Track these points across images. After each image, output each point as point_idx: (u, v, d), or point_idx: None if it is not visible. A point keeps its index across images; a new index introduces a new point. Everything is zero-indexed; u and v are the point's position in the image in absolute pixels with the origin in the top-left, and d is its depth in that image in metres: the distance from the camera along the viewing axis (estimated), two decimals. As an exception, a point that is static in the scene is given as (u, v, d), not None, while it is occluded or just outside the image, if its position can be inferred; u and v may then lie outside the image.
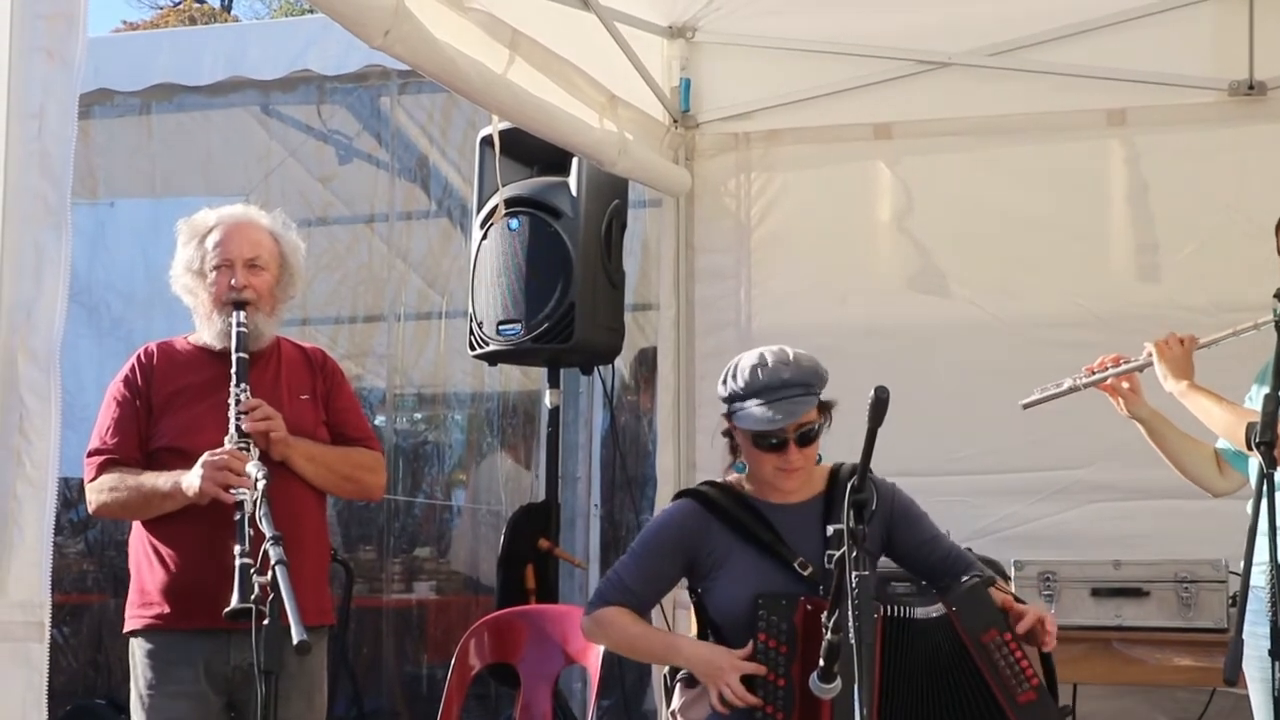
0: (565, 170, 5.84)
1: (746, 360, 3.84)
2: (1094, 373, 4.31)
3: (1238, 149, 5.61)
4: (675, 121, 6.17)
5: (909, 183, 6.00)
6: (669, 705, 3.97)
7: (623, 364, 7.38)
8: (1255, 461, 3.41)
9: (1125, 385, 4.29)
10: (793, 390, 3.76)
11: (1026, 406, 4.36)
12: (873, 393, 3.02)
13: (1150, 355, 4.21)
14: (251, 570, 3.39)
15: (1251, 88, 5.54)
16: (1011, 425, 5.23)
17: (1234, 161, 5.60)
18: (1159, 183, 5.74)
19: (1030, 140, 5.84)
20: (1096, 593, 4.97)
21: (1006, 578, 5.13)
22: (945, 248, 5.95)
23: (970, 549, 5.34)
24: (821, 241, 6.07)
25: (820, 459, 3.92)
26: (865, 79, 5.96)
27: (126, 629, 4.08)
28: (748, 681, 3.67)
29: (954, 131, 5.91)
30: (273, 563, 3.25)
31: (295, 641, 3.08)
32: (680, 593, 4.31)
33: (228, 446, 3.91)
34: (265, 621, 3.25)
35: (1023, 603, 3.81)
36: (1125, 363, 4.28)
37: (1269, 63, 5.51)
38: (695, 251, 6.21)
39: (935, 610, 3.71)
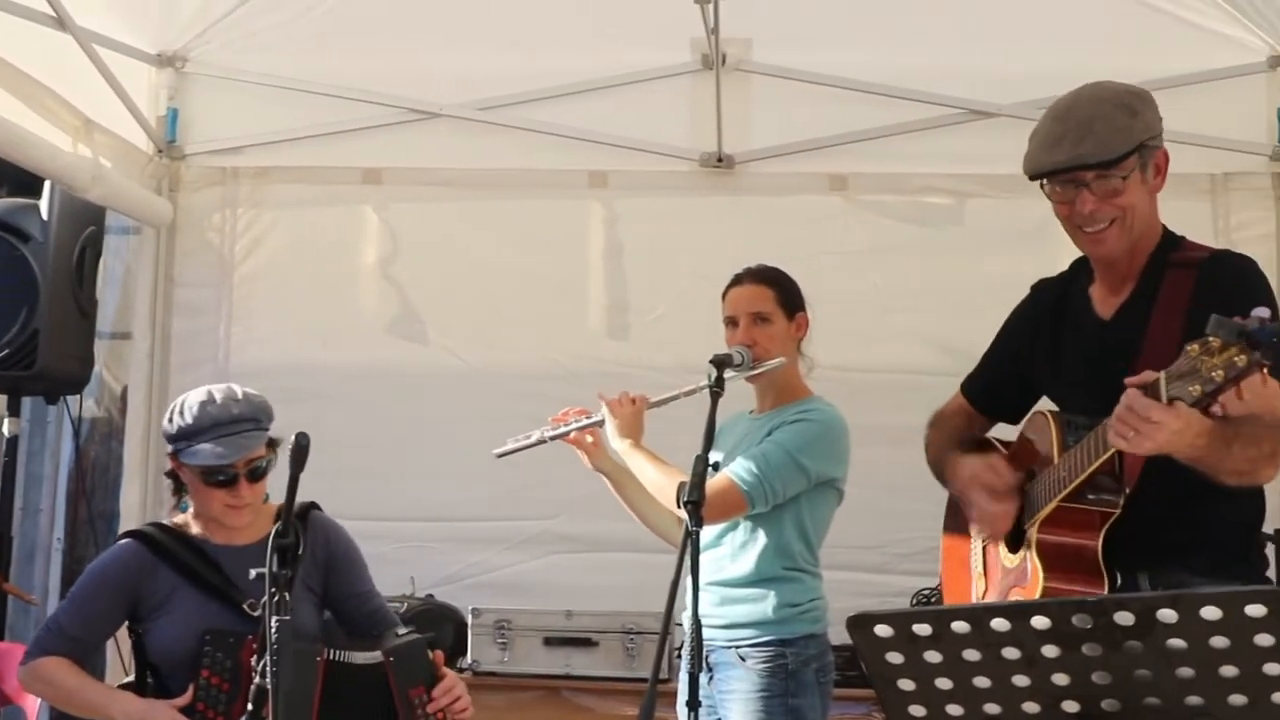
0: (37, 193, 5.63)
1: (194, 397, 3.82)
2: (558, 425, 4.44)
3: (706, 217, 5.96)
4: (160, 151, 6.05)
5: (396, 229, 6.09)
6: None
7: (104, 394, 7.14)
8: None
9: (589, 439, 4.44)
10: (243, 425, 3.77)
11: (499, 456, 4.47)
12: (293, 439, 3.06)
13: (603, 413, 4.37)
14: None
15: (720, 160, 5.90)
16: (485, 474, 5.34)
17: (702, 229, 5.94)
18: (634, 245, 6.03)
19: (515, 195, 6.03)
20: (549, 641, 5.14)
21: (464, 625, 5.25)
22: (428, 296, 6.05)
23: (432, 595, 5.50)
24: (306, 282, 6.07)
25: (268, 498, 3.91)
26: (357, 123, 6.03)
27: None
28: None
29: (442, 181, 6.03)
30: None
31: None
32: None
33: None
34: None
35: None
36: (587, 417, 4.43)
37: (735, 139, 5.90)
38: (175, 284, 6.10)
39: (375, 658, 3.77)
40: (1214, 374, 2.54)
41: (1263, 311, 2.48)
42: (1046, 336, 3.38)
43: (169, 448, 3.86)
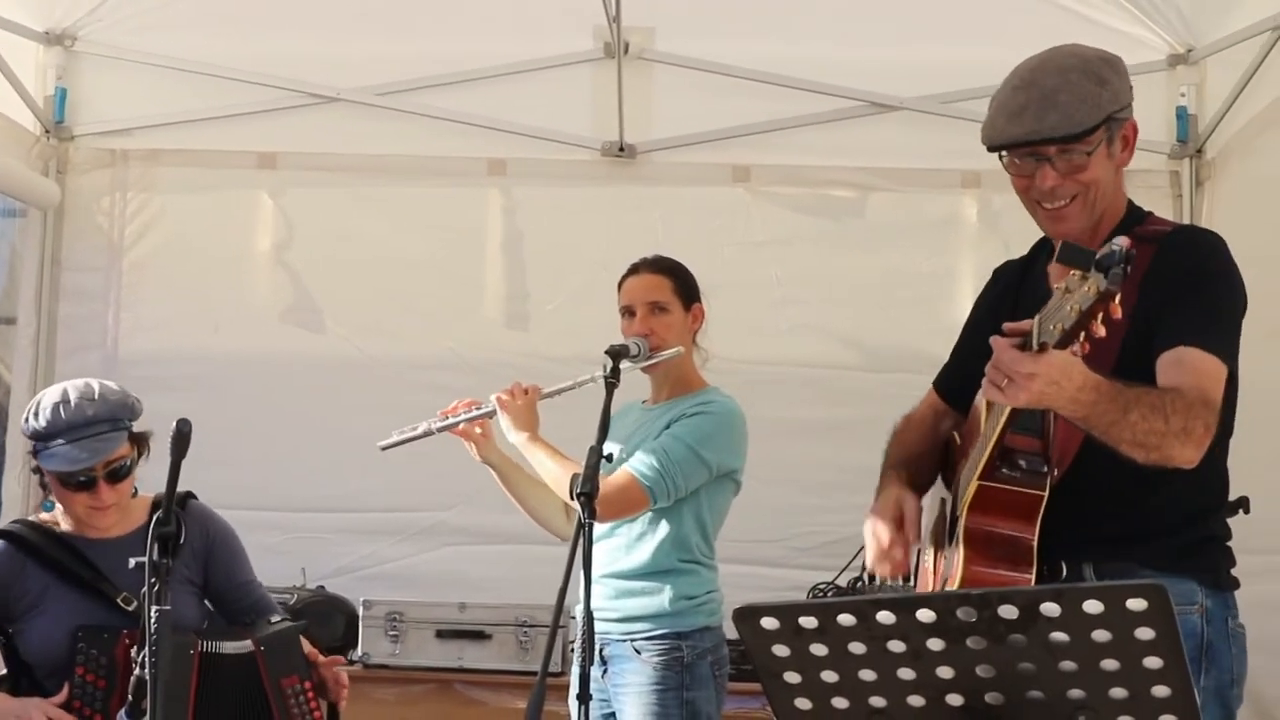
0: (-83, 172, 5.51)
1: (49, 398, 3.70)
2: (447, 417, 4.40)
3: (607, 207, 5.95)
4: (48, 132, 5.94)
5: (291, 215, 6.02)
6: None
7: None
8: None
9: (478, 430, 4.41)
10: (100, 427, 3.66)
11: (384, 448, 4.42)
12: (174, 426, 3.01)
13: (495, 404, 4.34)
14: None
15: (622, 149, 5.90)
16: (379, 465, 5.27)
17: (603, 219, 5.93)
18: (533, 234, 6.01)
19: (414, 182, 5.99)
20: (441, 634, 5.12)
21: (356, 617, 5.20)
22: (323, 283, 6.00)
23: (323, 587, 5.45)
24: (198, 268, 5.99)
25: (136, 491, 3.84)
26: (252, 106, 5.96)
27: None
28: None
29: (338, 167, 5.98)
30: None
31: None
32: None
33: None
34: None
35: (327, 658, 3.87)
36: (477, 409, 4.40)
37: (637, 128, 5.90)
38: (62, 269, 5.99)
39: (245, 647, 3.71)
40: (1070, 308, 2.35)
41: (1122, 240, 2.28)
42: (1006, 320, 3.25)
43: (29, 446, 3.76)
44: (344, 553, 5.79)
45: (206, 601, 3.92)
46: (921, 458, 3.31)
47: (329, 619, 5.27)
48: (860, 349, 5.85)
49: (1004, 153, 2.97)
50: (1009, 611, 2.09)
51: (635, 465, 4.04)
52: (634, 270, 4.33)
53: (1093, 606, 2.04)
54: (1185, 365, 2.76)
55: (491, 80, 5.92)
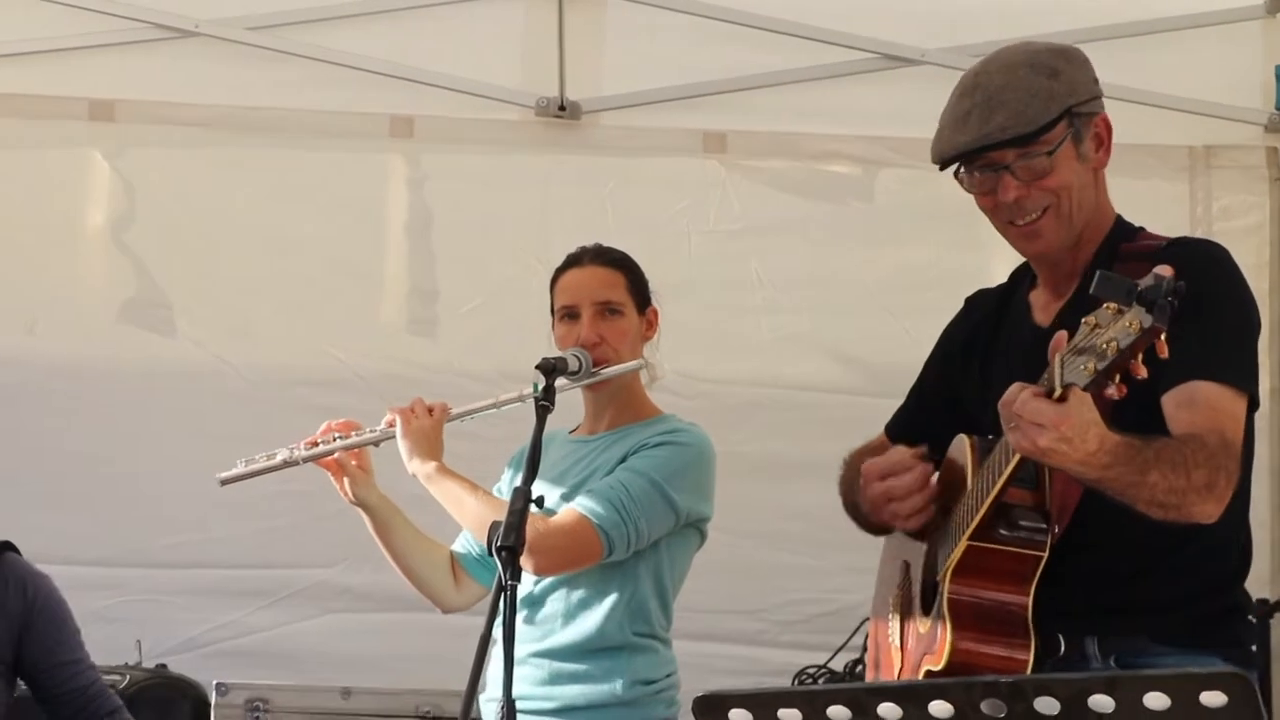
0: None
1: None
2: (317, 444, 4.37)
3: (541, 181, 5.99)
4: None
5: (133, 183, 5.99)
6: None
7: None
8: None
9: (354, 463, 4.38)
10: None
11: (225, 482, 4.39)
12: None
13: (393, 425, 4.33)
14: None
15: (562, 108, 5.90)
16: (242, 508, 5.29)
17: (536, 196, 5.96)
18: (446, 214, 6.02)
19: (292, 144, 5.98)
20: (319, 728, 5.09)
21: (206, 704, 5.16)
22: (174, 272, 5.98)
23: (165, 666, 5.42)
24: (9, 248, 5.94)
25: None
26: (83, 39, 5.92)
27: None
28: None
29: (196, 122, 5.95)
30: None
31: None
32: None
33: None
34: None
35: None
36: (359, 433, 4.37)
37: (582, 81, 5.91)
38: None
39: None
40: (1107, 345, 2.54)
41: (1164, 270, 2.51)
42: (980, 356, 3.42)
43: None
44: (193, 621, 5.78)
45: (20, 680, 3.89)
46: None
47: (171, 708, 5.23)
48: (863, 368, 5.87)
49: (961, 169, 3.21)
50: (1048, 705, 2.11)
51: (586, 504, 4.02)
52: (576, 262, 4.32)
53: (1157, 700, 2.06)
54: (1200, 405, 2.96)
55: (395, 15, 5.94)
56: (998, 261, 5.79)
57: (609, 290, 4.24)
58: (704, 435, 4.20)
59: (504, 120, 5.97)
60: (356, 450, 4.31)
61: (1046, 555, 2.97)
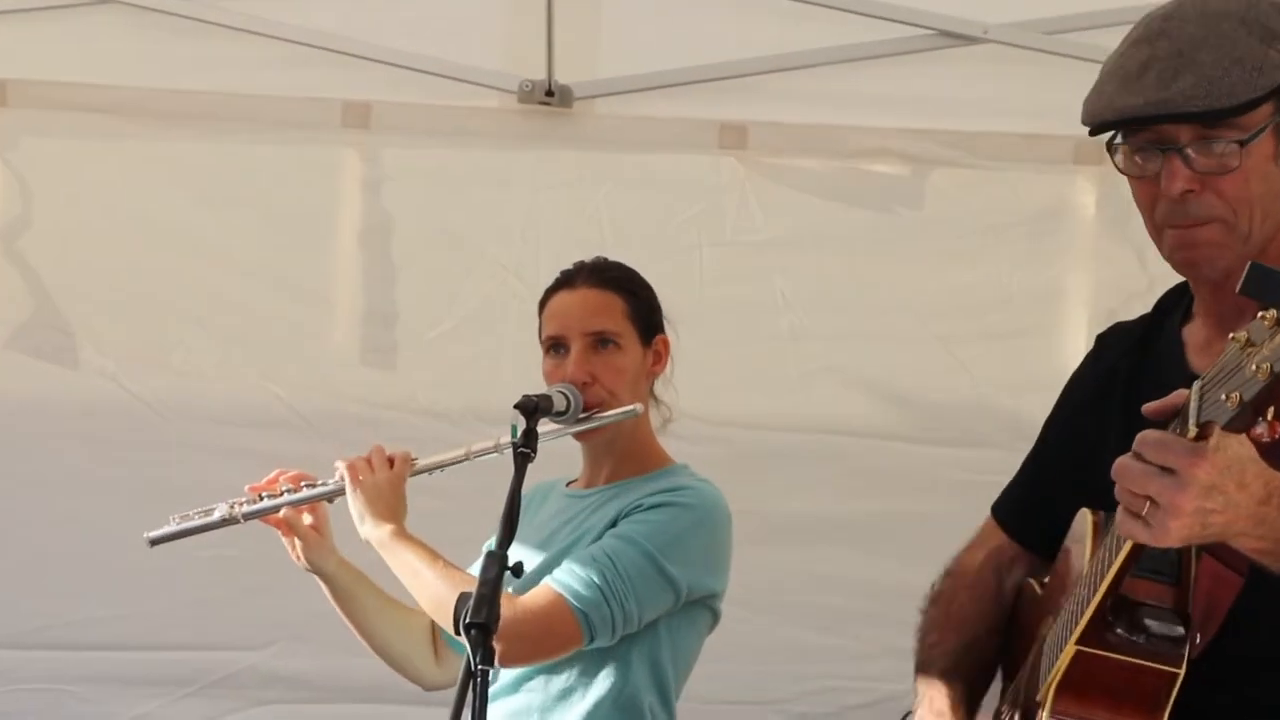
0: None
1: None
2: (261, 496, 4.39)
3: (526, 181, 6.01)
4: None
5: (27, 180, 6.01)
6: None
7: None
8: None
9: (308, 520, 4.40)
10: None
11: (154, 542, 4.42)
12: None
13: (342, 479, 4.34)
14: None
15: (550, 94, 5.93)
16: (160, 574, 5.30)
17: (520, 199, 5.99)
18: (409, 221, 6.04)
19: (222, 135, 5.99)
20: None
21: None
22: (78, 289, 6.00)
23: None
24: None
25: None
26: (-28, 9, 5.96)
27: None
28: None
29: (103, 107, 5.96)
30: None
31: None
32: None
33: None
34: None
35: None
36: (310, 487, 4.39)
37: (574, 62, 5.93)
38: None
39: None
40: (1258, 368, 2.15)
41: None
42: (1117, 414, 3.03)
43: None
44: (100, 714, 5.81)
45: None
46: (980, 643, 3.28)
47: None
48: (911, 409, 5.89)
49: (1116, 139, 2.92)
50: None
51: (564, 580, 4.04)
52: (567, 282, 4.35)
53: None
54: None
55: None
56: (1073, 281, 5.85)
57: (602, 318, 4.25)
58: (713, 493, 4.19)
59: (479, 108, 6.00)
60: (312, 505, 4.33)
61: (1182, 673, 2.68)
